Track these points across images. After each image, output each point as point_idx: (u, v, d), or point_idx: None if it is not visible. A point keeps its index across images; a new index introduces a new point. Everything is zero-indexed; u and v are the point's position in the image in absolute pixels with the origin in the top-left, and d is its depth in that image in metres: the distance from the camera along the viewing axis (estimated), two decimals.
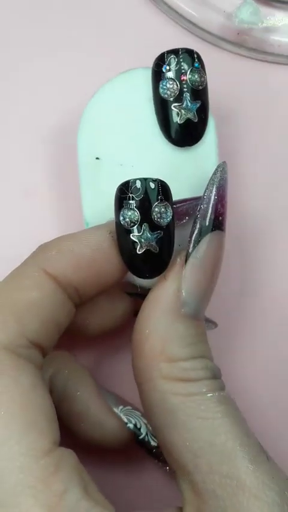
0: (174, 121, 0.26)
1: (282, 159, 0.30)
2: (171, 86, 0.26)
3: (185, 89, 0.26)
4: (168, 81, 0.26)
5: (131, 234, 0.23)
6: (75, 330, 0.25)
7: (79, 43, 0.31)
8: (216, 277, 0.24)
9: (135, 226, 0.23)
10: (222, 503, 0.20)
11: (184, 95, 0.26)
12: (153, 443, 0.27)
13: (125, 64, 0.27)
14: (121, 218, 0.23)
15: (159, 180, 0.23)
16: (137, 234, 0.23)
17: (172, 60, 0.26)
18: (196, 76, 0.26)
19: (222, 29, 0.32)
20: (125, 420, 0.26)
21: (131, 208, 0.23)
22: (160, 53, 0.26)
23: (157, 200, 0.23)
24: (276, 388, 0.28)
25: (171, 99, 0.26)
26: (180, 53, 0.26)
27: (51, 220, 0.29)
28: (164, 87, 0.26)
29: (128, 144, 0.27)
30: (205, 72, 0.26)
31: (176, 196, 0.24)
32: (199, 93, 0.26)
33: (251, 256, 0.29)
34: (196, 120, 0.26)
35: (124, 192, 0.23)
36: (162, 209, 0.23)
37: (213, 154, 0.27)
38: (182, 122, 0.26)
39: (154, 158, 0.27)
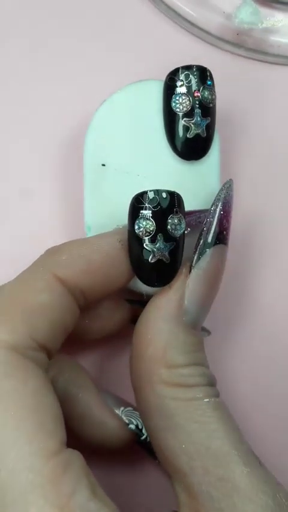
0: (183, 135, 0.27)
1: (281, 159, 0.31)
2: (184, 101, 0.27)
3: (197, 105, 0.27)
4: (181, 96, 0.27)
5: (145, 244, 0.24)
6: (74, 334, 0.25)
7: (79, 43, 0.31)
8: (217, 289, 0.25)
9: (150, 236, 0.24)
10: (218, 505, 0.21)
11: (196, 110, 0.27)
12: None
13: (125, 64, 0.28)
14: (136, 227, 0.24)
15: (176, 192, 0.24)
16: (151, 243, 0.24)
17: (186, 76, 0.26)
18: (207, 94, 0.27)
19: (222, 29, 0.31)
20: (126, 421, 0.27)
21: (147, 218, 0.24)
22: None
23: (172, 212, 0.24)
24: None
25: (182, 113, 0.27)
26: (194, 69, 0.27)
27: (52, 221, 0.29)
28: (177, 101, 0.27)
29: (135, 153, 0.28)
30: (215, 91, 0.27)
31: None
32: (209, 111, 0.27)
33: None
34: (204, 136, 0.27)
35: (141, 201, 0.24)
36: (176, 221, 0.24)
37: (216, 169, 0.28)
38: (191, 136, 0.27)
39: (159, 169, 0.28)
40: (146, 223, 0.24)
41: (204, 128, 0.27)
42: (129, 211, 0.24)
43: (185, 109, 0.27)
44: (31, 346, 0.22)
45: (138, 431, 0.26)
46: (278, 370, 0.29)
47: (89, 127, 0.28)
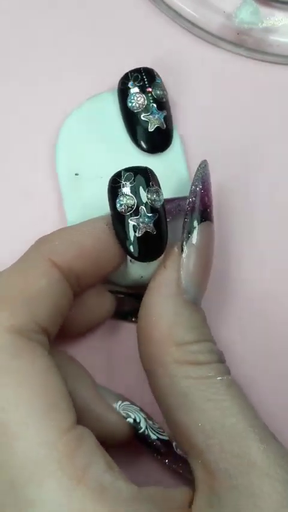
0: (144, 130, 0.29)
1: (281, 159, 0.31)
2: (139, 99, 0.29)
3: (151, 100, 0.29)
4: (135, 95, 0.29)
5: (129, 219, 0.25)
6: (60, 328, 0.25)
7: (78, 43, 0.32)
8: (211, 264, 0.26)
9: (132, 211, 0.25)
10: (235, 481, 0.21)
11: (151, 105, 0.29)
12: (153, 436, 0.27)
13: (124, 64, 0.29)
14: (118, 205, 0.25)
15: (147, 167, 0.25)
16: (135, 217, 0.25)
17: (135, 77, 0.29)
18: (158, 90, 0.29)
19: (222, 29, 0.31)
20: (124, 415, 0.26)
21: (126, 195, 0.25)
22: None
23: (149, 185, 0.25)
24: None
25: (139, 110, 0.29)
26: (142, 71, 0.29)
27: (52, 221, 0.29)
28: (133, 100, 0.29)
29: (104, 158, 0.30)
30: (165, 87, 0.30)
31: None
32: (163, 105, 0.29)
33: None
34: (164, 128, 0.29)
35: (117, 181, 0.25)
36: (155, 193, 0.25)
37: (181, 158, 0.30)
38: (152, 129, 0.29)
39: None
40: (127, 199, 0.25)
41: (162, 120, 0.29)
42: (108, 194, 0.25)
43: (141, 105, 0.29)
44: (34, 330, 0.23)
45: (135, 425, 0.26)
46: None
47: (57, 143, 0.30)
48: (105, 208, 0.26)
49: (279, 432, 0.23)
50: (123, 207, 0.25)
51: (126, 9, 0.32)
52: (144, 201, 0.25)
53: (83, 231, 0.25)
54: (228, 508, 0.21)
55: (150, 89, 0.29)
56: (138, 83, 0.29)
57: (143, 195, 0.25)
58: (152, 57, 0.29)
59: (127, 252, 0.25)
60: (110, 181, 0.25)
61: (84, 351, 0.29)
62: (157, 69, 0.30)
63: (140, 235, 0.25)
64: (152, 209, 0.25)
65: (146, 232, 0.25)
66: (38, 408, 0.21)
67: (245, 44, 0.32)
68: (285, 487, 0.21)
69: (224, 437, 0.22)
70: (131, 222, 0.25)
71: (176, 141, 0.30)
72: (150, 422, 0.27)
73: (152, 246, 0.25)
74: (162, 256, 0.25)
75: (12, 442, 0.20)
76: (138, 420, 0.26)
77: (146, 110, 0.29)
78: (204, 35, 0.32)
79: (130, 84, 0.29)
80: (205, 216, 0.25)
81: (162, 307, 0.24)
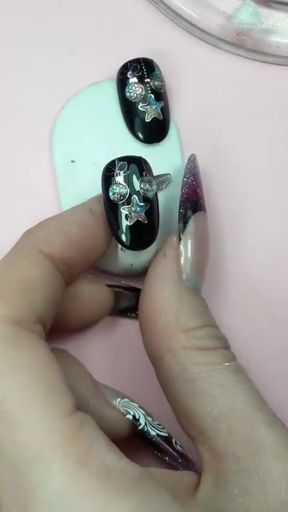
0: (142, 120, 0.29)
1: (280, 159, 0.32)
2: (137, 89, 0.29)
3: (149, 91, 0.29)
4: (133, 85, 0.29)
5: (122, 208, 0.25)
6: (56, 323, 0.25)
7: (77, 43, 0.32)
8: (208, 252, 0.26)
9: (124, 200, 0.25)
10: (244, 464, 0.21)
11: (149, 95, 0.29)
12: (152, 433, 0.27)
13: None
14: (110, 194, 0.25)
15: (142, 157, 0.26)
16: (127, 206, 0.25)
17: (135, 67, 0.29)
18: (157, 81, 0.29)
19: (222, 29, 0.32)
20: (124, 412, 0.26)
21: (119, 184, 0.25)
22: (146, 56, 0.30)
23: (142, 175, 0.25)
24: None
25: (137, 100, 0.29)
26: (141, 61, 0.29)
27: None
28: (131, 90, 0.29)
29: (100, 146, 0.30)
30: (163, 78, 0.30)
31: None
32: (161, 95, 0.29)
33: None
34: (161, 118, 0.29)
35: (111, 170, 0.25)
36: (147, 182, 0.25)
37: (177, 149, 0.30)
38: (149, 120, 0.29)
39: None
40: (120, 188, 0.25)
41: (159, 110, 0.29)
42: (102, 182, 0.26)
43: (139, 95, 0.29)
44: (32, 320, 0.23)
45: (135, 422, 0.26)
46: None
47: (53, 129, 0.30)
48: None
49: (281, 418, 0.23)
50: (115, 195, 0.25)
51: (125, 9, 0.32)
52: (137, 190, 0.25)
53: (69, 219, 0.25)
54: (235, 490, 0.21)
55: (148, 80, 0.29)
56: (137, 73, 0.29)
57: (136, 184, 0.25)
58: (151, 57, 0.30)
59: (118, 240, 0.26)
60: (103, 170, 0.26)
61: (82, 347, 0.29)
62: None
63: (131, 224, 0.25)
64: (145, 199, 0.25)
65: (138, 221, 0.25)
66: (39, 394, 0.21)
67: (244, 44, 0.32)
68: None
69: (233, 421, 0.22)
70: (123, 211, 0.25)
71: (172, 133, 0.30)
72: (150, 419, 0.27)
73: (143, 235, 0.26)
74: (153, 245, 0.26)
75: (14, 429, 0.20)
76: (137, 417, 0.26)
77: (144, 100, 0.29)
78: (204, 36, 0.32)
79: (129, 74, 0.29)
80: (198, 206, 0.26)
81: (166, 294, 0.24)
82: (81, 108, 0.30)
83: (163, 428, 0.27)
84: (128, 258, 0.27)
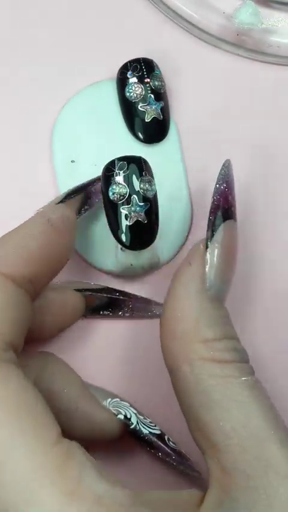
0: (141, 120, 0.29)
1: (281, 159, 0.32)
2: (136, 89, 0.29)
3: (149, 91, 0.29)
4: (133, 85, 0.29)
5: (121, 207, 0.25)
6: (30, 334, 0.24)
7: (77, 43, 0.32)
8: (235, 262, 0.25)
9: (124, 200, 0.25)
10: (252, 482, 0.21)
11: (148, 95, 0.29)
12: (144, 431, 0.27)
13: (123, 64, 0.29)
14: (110, 194, 0.25)
15: (141, 157, 0.26)
16: (127, 206, 0.25)
17: (135, 67, 0.29)
18: (157, 82, 0.29)
19: (222, 29, 0.32)
20: (114, 412, 0.26)
21: (119, 183, 0.25)
22: (149, 57, 0.30)
23: (142, 175, 0.25)
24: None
25: (137, 100, 0.29)
26: (141, 61, 0.29)
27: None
28: (131, 90, 0.29)
29: (100, 147, 0.30)
30: (163, 78, 0.30)
31: None
32: (161, 95, 0.29)
33: None
34: (161, 118, 0.29)
35: (110, 170, 0.25)
36: (147, 183, 0.25)
37: (177, 149, 0.30)
38: (149, 120, 0.29)
39: None
40: (119, 188, 0.25)
41: (159, 110, 0.29)
42: (102, 182, 0.26)
43: (138, 95, 0.29)
44: (1, 348, 0.22)
45: (126, 421, 0.26)
46: None
47: (53, 129, 0.30)
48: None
49: None
50: (115, 195, 0.25)
51: (125, 9, 0.32)
52: (137, 190, 0.25)
53: (26, 234, 0.24)
54: (241, 508, 0.21)
55: (148, 80, 0.29)
56: (137, 73, 0.29)
57: (136, 184, 0.25)
58: (151, 58, 0.30)
59: (118, 240, 0.26)
60: (103, 170, 0.26)
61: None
62: None
63: (131, 224, 0.25)
64: (144, 198, 0.25)
65: (137, 221, 0.25)
66: (20, 427, 0.20)
67: (244, 44, 0.32)
68: None
69: (245, 438, 0.22)
70: (123, 211, 0.25)
71: (172, 133, 0.30)
72: (141, 417, 0.27)
73: (143, 235, 0.26)
74: (152, 245, 0.26)
75: (0, 467, 0.20)
76: (129, 416, 0.26)
77: (144, 100, 0.29)
78: (204, 36, 0.32)
79: (129, 74, 0.29)
80: (229, 214, 0.25)
81: (188, 302, 0.24)
82: (81, 108, 0.30)
83: (155, 426, 0.27)
84: (128, 258, 0.27)
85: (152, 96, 0.29)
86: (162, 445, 0.27)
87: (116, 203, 0.25)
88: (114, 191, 0.25)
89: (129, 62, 0.29)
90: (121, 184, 0.25)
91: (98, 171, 0.27)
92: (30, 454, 0.20)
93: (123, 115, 0.30)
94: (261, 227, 0.31)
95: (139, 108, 0.29)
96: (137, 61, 0.29)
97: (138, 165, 0.25)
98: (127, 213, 0.25)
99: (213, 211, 0.25)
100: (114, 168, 0.25)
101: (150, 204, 0.25)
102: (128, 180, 0.25)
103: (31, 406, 0.21)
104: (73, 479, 0.20)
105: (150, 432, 0.26)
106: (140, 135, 0.29)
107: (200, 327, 0.23)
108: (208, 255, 0.24)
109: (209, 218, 0.25)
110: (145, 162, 0.26)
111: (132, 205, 0.25)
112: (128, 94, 0.29)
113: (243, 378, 0.23)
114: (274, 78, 0.32)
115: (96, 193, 0.27)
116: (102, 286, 0.29)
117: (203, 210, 0.30)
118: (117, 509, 0.20)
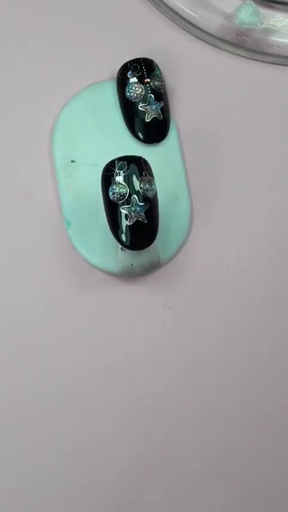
0: (141, 120, 0.29)
1: (281, 159, 0.32)
2: (136, 89, 0.29)
3: (149, 91, 0.29)
4: (133, 85, 0.29)
5: (121, 207, 0.25)
6: None
7: (77, 43, 0.32)
8: None
9: (124, 200, 0.25)
10: None
11: (148, 95, 0.29)
12: None
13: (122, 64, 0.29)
14: (110, 194, 0.25)
15: (141, 157, 0.26)
16: (127, 206, 0.25)
17: (135, 67, 0.29)
18: (157, 82, 0.29)
19: (222, 29, 0.32)
20: None
21: (119, 183, 0.25)
22: (146, 56, 0.30)
23: (142, 174, 0.25)
24: None
25: (137, 100, 0.29)
26: (141, 61, 0.29)
27: (52, 219, 0.30)
28: (131, 90, 0.29)
29: (100, 147, 0.30)
30: (163, 78, 0.30)
31: None
32: (161, 95, 0.29)
33: None
34: (161, 119, 0.29)
35: (111, 170, 0.25)
36: (147, 182, 0.25)
37: (177, 150, 0.30)
38: (149, 120, 0.29)
39: None
40: (119, 188, 0.25)
41: (159, 111, 0.29)
42: (102, 182, 0.26)
43: (138, 96, 0.29)
44: None
45: None
46: None
47: (54, 129, 0.30)
48: (98, 196, 0.26)
49: None
50: (115, 195, 0.25)
51: (125, 9, 0.32)
52: (137, 190, 0.25)
53: None
54: None
55: (148, 80, 0.29)
56: (136, 73, 0.29)
57: (136, 184, 0.25)
58: (151, 57, 0.30)
59: (118, 240, 0.26)
60: (103, 170, 0.26)
61: None
62: None
63: (131, 223, 0.25)
64: (144, 198, 0.25)
65: (138, 221, 0.25)
66: None
67: (244, 44, 0.32)
68: None
69: None
70: (123, 211, 0.25)
71: (172, 133, 0.30)
72: None
73: (143, 235, 0.26)
74: (152, 245, 0.26)
75: None
76: None
77: (144, 100, 0.29)
78: (204, 36, 0.32)
79: (129, 74, 0.29)
80: None
81: None
82: (82, 108, 0.30)
83: None
84: (128, 258, 0.27)
85: (152, 96, 0.29)
86: None
87: (116, 203, 0.25)
88: (115, 191, 0.25)
89: (129, 62, 0.29)
90: (121, 184, 0.25)
91: (98, 171, 0.27)
92: None
93: (123, 115, 0.30)
94: None
95: (139, 108, 0.29)
96: (137, 61, 0.29)
97: (138, 165, 0.25)
98: (127, 213, 0.25)
99: None
100: (114, 168, 0.25)
101: (151, 204, 0.25)
102: (128, 180, 0.25)
103: None
104: None
105: None
106: (140, 135, 0.29)
107: None
108: None
109: None
110: (145, 162, 0.26)
111: (132, 205, 0.25)
112: (128, 94, 0.29)
113: None
114: (274, 78, 0.32)
115: None
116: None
117: (203, 210, 0.30)
118: None
